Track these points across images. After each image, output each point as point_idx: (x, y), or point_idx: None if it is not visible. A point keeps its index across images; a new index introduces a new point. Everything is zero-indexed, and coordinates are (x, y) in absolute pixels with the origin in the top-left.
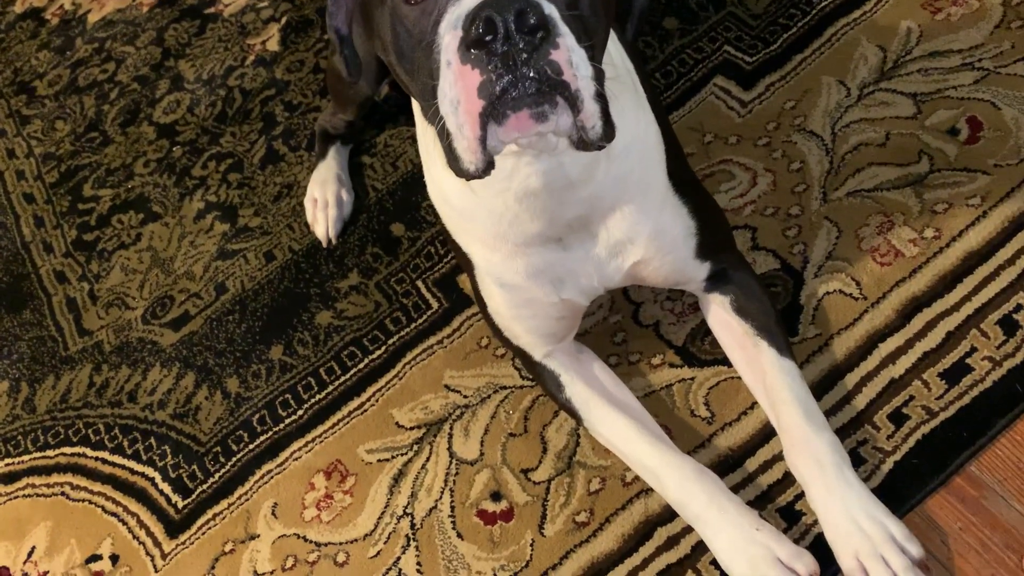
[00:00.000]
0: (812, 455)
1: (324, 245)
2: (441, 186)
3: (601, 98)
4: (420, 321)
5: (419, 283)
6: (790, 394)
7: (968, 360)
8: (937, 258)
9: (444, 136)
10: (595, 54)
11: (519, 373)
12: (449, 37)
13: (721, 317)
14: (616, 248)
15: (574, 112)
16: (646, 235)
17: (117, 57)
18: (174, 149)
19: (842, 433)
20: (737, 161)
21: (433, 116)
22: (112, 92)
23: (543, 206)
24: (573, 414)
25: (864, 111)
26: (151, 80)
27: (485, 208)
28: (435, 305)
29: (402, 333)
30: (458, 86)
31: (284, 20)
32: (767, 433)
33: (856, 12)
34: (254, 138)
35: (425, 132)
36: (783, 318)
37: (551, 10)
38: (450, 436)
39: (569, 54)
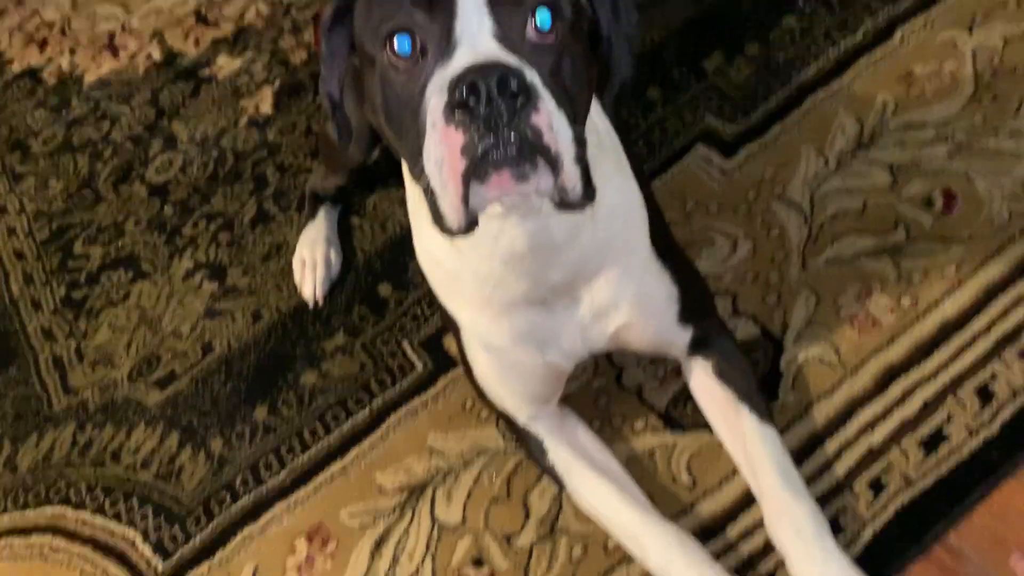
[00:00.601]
0: (792, 524)
1: (310, 306)
2: (429, 248)
3: (582, 160)
4: (405, 382)
5: (405, 344)
6: (770, 461)
7: (945, 429)
8: (914, 326)
9: (429, 194)
10: (577, 119)
11: (503, 437)
12: (435, 100)
13: (703, 382)
14: (600, 312)
15: (555, 173)
16: (629, 299)
17: (112, 116)
18: (165, 208)
19: (822, 500)
20: (718, 228)
21: (419, 175)
22: (106, 151)
23: (528, 268)
24: (556, 479)
25: (842, 180)
26: (144, 140)
27: (471, 269)
28: (420, 366)
29: (387, 394)
30: (442, 146)
31: (277, 83)
32: (748, 500)
33: (834, 84)
34: (245, 198)
35: (414, 194)
36: (763, 384)
37: (533, 76)
38: (433, 500)
39: (550, 118)
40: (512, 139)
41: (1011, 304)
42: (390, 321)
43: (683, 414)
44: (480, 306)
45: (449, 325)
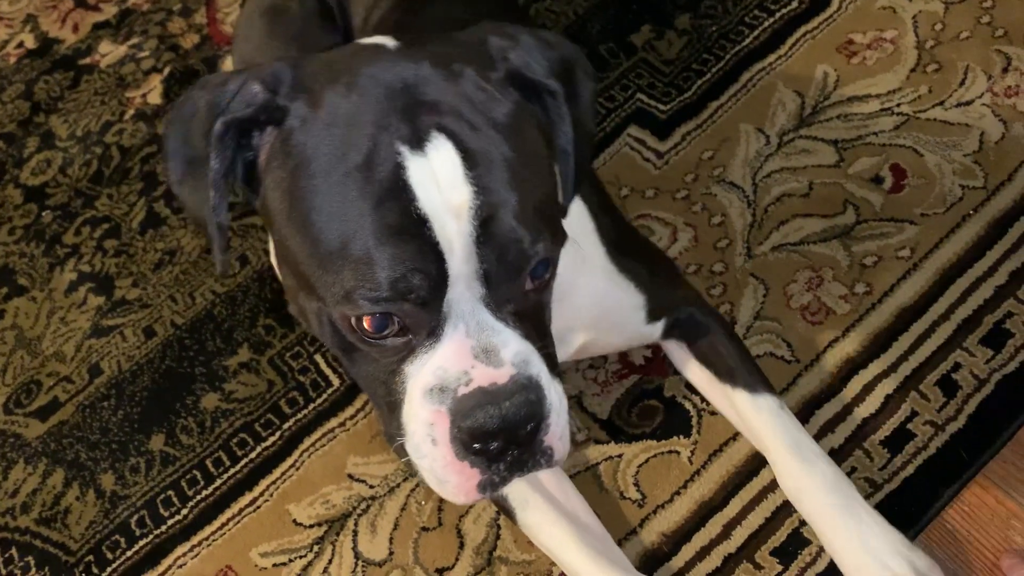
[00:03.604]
0: (814, 495)
1: None
2: None
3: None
4: (319, 401)
5: (318, 357)
6: (774, 434)
7: (909, 425)
8: (870, 315)
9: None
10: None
11: None
12: (431, 412)
13: (685, 361)
14: (560, 335)
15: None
16: (590, 319)
17: None
18: (43, 214)
19: (783, 513)
20: (656, 216)
21: (391, 435)
22: None
23: None
24: (507, 512)
25: (785, 160)
26: (18, 138)
27: None
28: (336, 382)
29: (299, 416)
30: (449, 472)
31: (167, 71)
32: (703, 515)
33: (771, 56)
34: (133, 200)
35: None
36: None
37: (546, 385)
38: (355, 533)
39: (558, 428)
40: (529, 463)
41: (970, 287)
42: (300, 332)
43: (628, 422)
44: None
45: None
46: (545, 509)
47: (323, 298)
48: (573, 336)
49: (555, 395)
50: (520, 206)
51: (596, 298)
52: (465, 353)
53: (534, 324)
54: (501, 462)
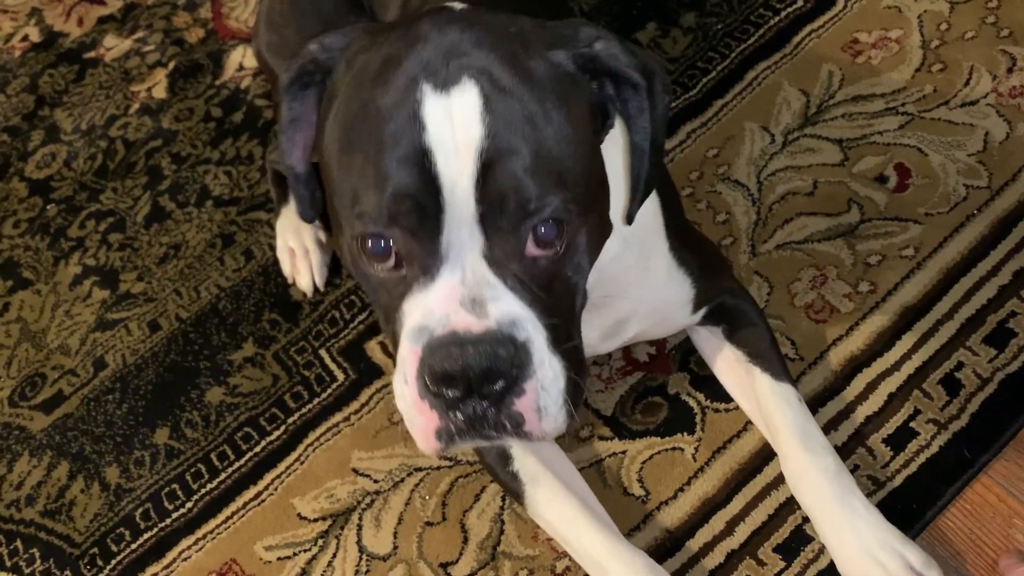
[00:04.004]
0: (814, 485)
1: (310, 296)
2: None
3: (570, 391)
4: (324, 396)
5: (322, 352)
6: (787, 421)
7: (912, 424)
8: (874, 314)
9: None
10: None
11: None
12: (408, 350)
13: (712, 344)
14: (616, 328)
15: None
16: (645, 313)
17: None
18: (48, 207)
19: (786, 510)
20: None
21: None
22: None
23: None
24: (515, 491)
25: (790, 158)
26: (23, 131)
27: None
28: (341, 377)
29: (303, 410)
30: (414, 412)
31: (172, 65)
32: (706, 511)
33: (776, 55)
34: (138, 194)
35: None
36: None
37: (524, 330)
38: (359, 528)
39: (536, 397)
40: (491, 423)
41: (973, 286)
42: (305, 327)
43: (632, 419)
44: None
45: None
46: (556, 487)
47: (341, 224)
48: (627, 329)
49: (548, 369)
50: (534, 160)
51: (654, 292)
52: (454, 298)
53: (545, 297)
54: (458, 411)
